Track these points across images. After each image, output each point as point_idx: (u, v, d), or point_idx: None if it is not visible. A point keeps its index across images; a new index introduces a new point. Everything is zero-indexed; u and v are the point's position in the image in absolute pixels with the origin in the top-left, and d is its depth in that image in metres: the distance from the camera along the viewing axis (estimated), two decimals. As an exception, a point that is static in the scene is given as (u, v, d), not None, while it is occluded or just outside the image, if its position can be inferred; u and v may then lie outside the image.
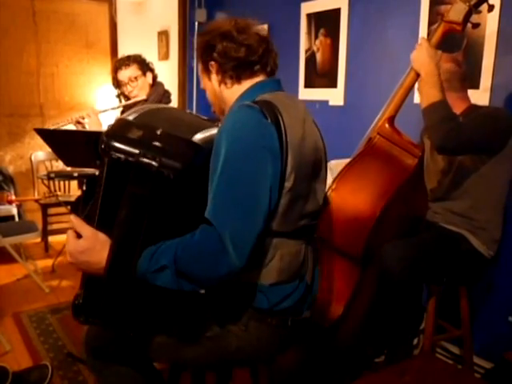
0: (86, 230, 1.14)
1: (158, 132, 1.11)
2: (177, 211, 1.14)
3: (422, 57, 1.71)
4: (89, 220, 1.16)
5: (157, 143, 1.09)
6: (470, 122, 1.77)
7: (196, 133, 1.20)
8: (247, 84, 1.29)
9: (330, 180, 1.69)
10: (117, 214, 1.09)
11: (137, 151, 1.07)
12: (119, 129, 1.15)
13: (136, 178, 1.07)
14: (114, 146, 1.08)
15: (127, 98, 2.73)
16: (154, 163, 1.05)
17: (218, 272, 1.05)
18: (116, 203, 1.09)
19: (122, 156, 1.07)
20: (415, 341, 2.22)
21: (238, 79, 1.29)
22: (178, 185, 1.10)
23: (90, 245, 1.12)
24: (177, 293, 1.16)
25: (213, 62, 1.29)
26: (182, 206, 1.15)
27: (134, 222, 1.08)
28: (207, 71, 1.33)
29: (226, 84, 1.30)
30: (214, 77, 1.32)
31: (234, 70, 1.28)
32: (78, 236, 1.15)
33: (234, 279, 1.10)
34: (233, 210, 1.06)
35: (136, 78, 2.65)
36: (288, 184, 1.16)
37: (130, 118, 1.21)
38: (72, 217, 1.16)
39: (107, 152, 1.09)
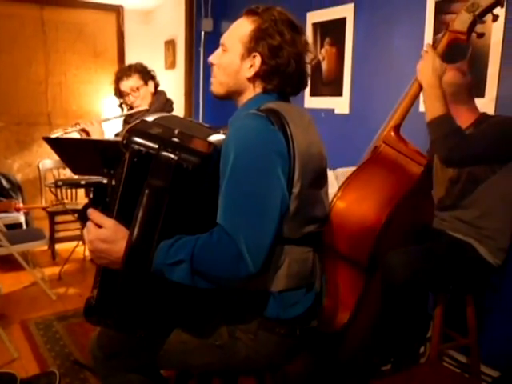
0: (107, 221, 1.15)
1: (176, 131, 1.16)
2: (192, 208, 1.17)
3: (426, 68, 1.71)
4: (107, 212, 1.18)
5: (176, 139, 1.14)
6: (477, 134, 1.77)
7: (209, 135, 1.25)
8: (260, 89, 1.29)
9: (336, 188, 1.70)
10: (136, 206, 1.12)
11: (157, 145, 1.12)
12: (140, 126, 1.20)
13: (156, 170, 1.11)
14: (136, 141, 1.13)
15: (130, 107, 2.75)
16: (173, 156, 1.10)
17: (233, 276, 1.06)
18: (134, 197, 1.13)
19: (144, 149, 1.12)
20: (422, 349, 2.21)
21: (266, 82, 1.26)
22: (195, 181, 1.14)
23: (111, 233, 1.14)
24: (188, 295, 1.19)
25: (258, 55, 1.24)
26: (197, 204, 1.18)
27: (153, 214, 1.12)
28: (244, 54, 1.26)
29: (257, 78, 1.26)
30: (248, 63, 1.26)
31: (271, 76, 1.25)
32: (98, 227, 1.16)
33: (247, 284, 1.12)
34: (244, 216, 1.07)
35: (138, 88, 2.65)
36: (295, 190, 1.16)
37: (149, 119, 1.26)
38: (90, 210, 1.17)
39: (129, 146, 1.13)
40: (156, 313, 1.22)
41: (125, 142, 1.13)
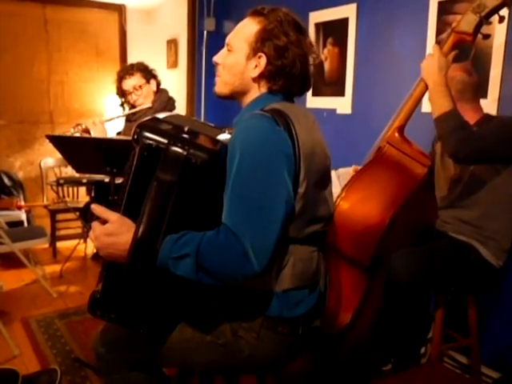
0: (111, 214, 1.16)
1: (185, 128, 1.19)
2: (199, 204, 1.19)
3: (432, 67, 1.71)
4: (114, 208, 1.20)
5: (185, 135, 1.17)
6: (485, 131, 1.76)
7: (216, 134, 1.27)
8: (265, 89, 1.29)
9: (338, 188, 1.70)
10: (143, 200, 1.14)
11: (166, 140, 1.14)
12: (151, 122, 1.23)
13: (165, 164, 1.13)
14: (147, 135, 1.15)
15: (132, 106, 2.75)
16: (182, 151, 1.13)
17: (238, 274, 1.07)
18: (143, 191, 1.15)
19: (154, 143, 1.14)
20: (423, 349, 2.22)
21: (271, 82, 1.27)
22: (202, 177, 1.16)
23: (116, 227, 1.15)
24: (191, 292, 1.20)
25: (263, 55, 1.24)
26: (204, 201, 1.19)
27: (160, 207, 1.13)
28: (249, 54, 1.26)
29: (262, 78, 1.27)
30: (253, 63, 1.26)
31: (276, 77, 1.25)
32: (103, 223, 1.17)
33: (252, 283, 1.13)
34: (250, 216, 1.07)
35: (140, 86, 2.67)
36: (301, 190, 1.17)
37: (159, 117, 1.29)
38: (93, 206, 1.18)
39: (140, 140, 1.15)
40: (160, 308, 1.23)
41: (135, 136, 1.16)
